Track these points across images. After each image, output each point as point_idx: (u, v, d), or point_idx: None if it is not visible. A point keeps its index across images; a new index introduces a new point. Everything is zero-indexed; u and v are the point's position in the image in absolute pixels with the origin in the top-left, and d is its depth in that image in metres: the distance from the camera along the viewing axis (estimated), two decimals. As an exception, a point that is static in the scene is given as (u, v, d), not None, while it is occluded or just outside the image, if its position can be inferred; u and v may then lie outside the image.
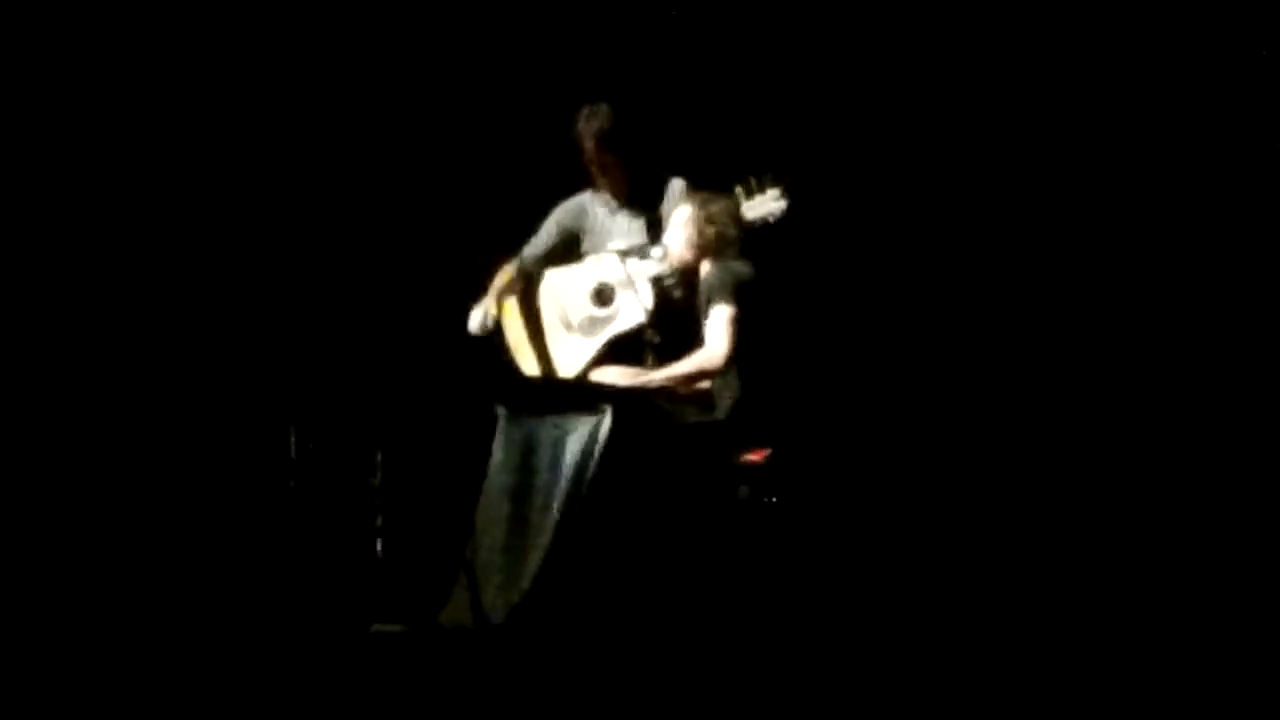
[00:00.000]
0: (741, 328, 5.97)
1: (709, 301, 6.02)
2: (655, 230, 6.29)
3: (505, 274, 6.47)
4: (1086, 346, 6.83)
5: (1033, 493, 6.76)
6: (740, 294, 6.00)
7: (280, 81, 6.98)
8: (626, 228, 6.36)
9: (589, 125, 6.27)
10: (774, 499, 5.95)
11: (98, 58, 6.88)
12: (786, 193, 6.07)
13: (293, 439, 6.51)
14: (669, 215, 6.20)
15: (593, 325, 6.34)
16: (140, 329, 6.91)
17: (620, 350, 6.29)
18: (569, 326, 6.38)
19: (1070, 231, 6.84)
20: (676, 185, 6.32)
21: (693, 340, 6.07)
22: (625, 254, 6.26)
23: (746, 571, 5.90)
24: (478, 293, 6.47)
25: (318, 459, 6.63)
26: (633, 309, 6.23)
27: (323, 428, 6.68)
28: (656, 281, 6.20)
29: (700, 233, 6.08)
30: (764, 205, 6.10)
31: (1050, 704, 5.36)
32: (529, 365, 6.47)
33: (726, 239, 6.07)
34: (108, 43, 6.89)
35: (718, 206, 6.11)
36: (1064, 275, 6.85)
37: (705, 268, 6.08)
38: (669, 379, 6.07)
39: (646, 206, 6.33)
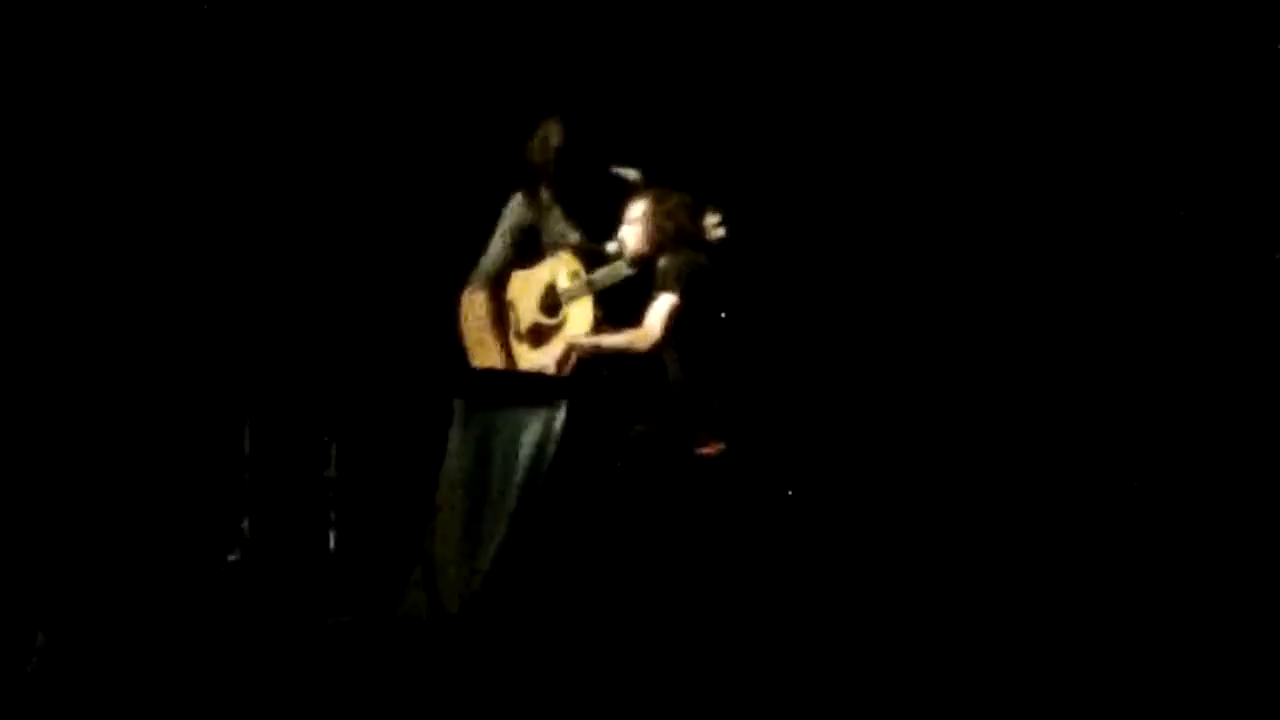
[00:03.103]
0: (682, 318, 6.00)
1: (658, 289, 6.05)
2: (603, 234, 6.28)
3: (476, 304, 6.42)
4: (1033, 323, 6.86)
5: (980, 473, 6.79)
6: (688, 284, 6.03)
7: (224, 69, 6.96)
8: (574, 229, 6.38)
9: (547, 140, 6.27)
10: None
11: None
12: (724, 223, 6.11)
13: (247, 432, 6.48)
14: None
15: (539, 335, 6.33)
16: (91, 323, 6.87)
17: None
18: (519, 335, 6.37)
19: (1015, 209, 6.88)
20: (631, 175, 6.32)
21: None
22: (580, 252, 6.26)
23: (705, 562, 5.92)
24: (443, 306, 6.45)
25: (272, 451, 6.61)
26: (579, 322, 6.21)
27: (277, 420, 6.66)
28: (609, 289, 6.18)
29: (658, 226, 6.10)
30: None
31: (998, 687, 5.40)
32: (486, 363, 6.44)
33: (683, 233, 6.10)
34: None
35: (674, 201, 6.13)
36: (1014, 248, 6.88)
37: (661, 261, 6.11)
38: (594, 346, 6.10)
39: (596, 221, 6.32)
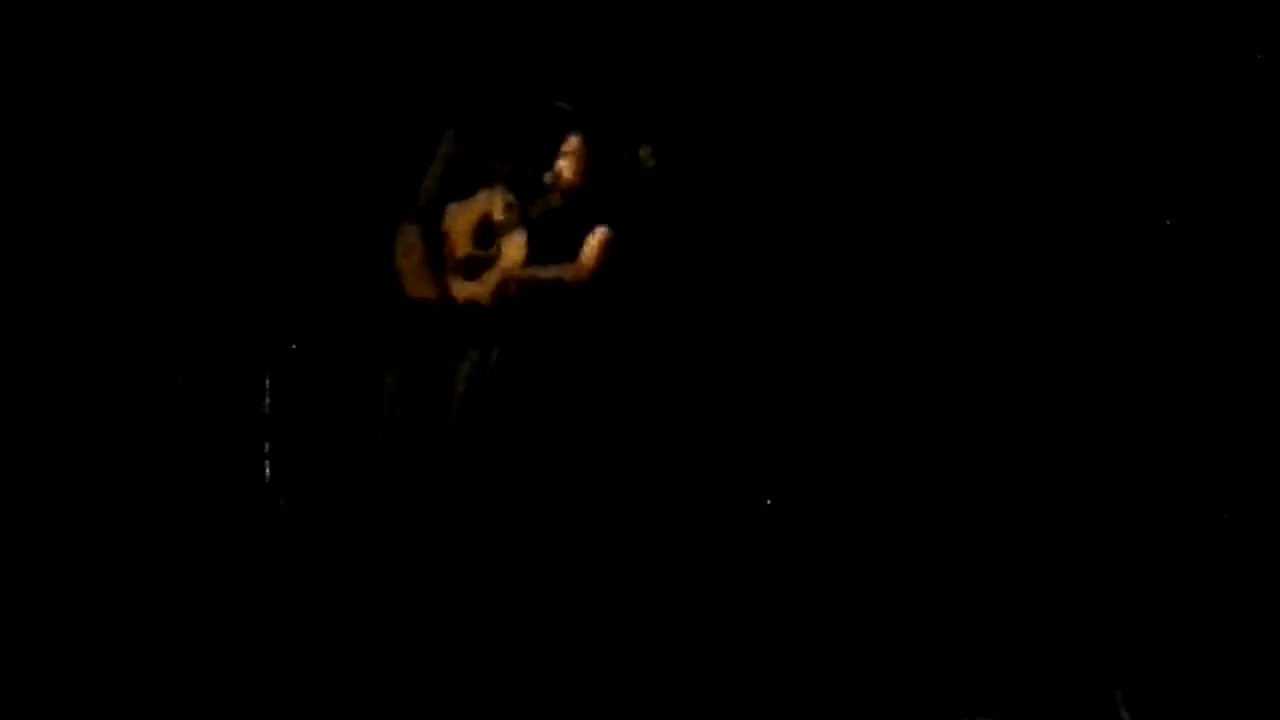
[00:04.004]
0: (614, 250, 6.04)
1: (592, 222, 6.08)
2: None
3: (410, 236, 6.41)
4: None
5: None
6: (621, 217, 6.06)
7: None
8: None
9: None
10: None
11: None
12: (656, 155, 6.14)
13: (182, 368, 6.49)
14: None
15: (474, 267, 6.33)
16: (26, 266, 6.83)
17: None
18: (454, 267, 6.37)
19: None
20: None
21: None
22: (515, 184, 6.26)
23: (639, 498, 5.97)
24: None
25: (205, 385, 6.60)
26: (513, 254, 6.22)
27: (211, 353, 6.65)
28: (542, 219, 6.20)
29: (592, 159, 6.12)
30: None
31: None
32: (421, 295, 6.44)
33: (617, 166, 6.12)
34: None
35: (608, 133, 6.15)
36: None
37: (595, 194, 6.13)
38: (528, 278, 6.12)
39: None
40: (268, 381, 6.42)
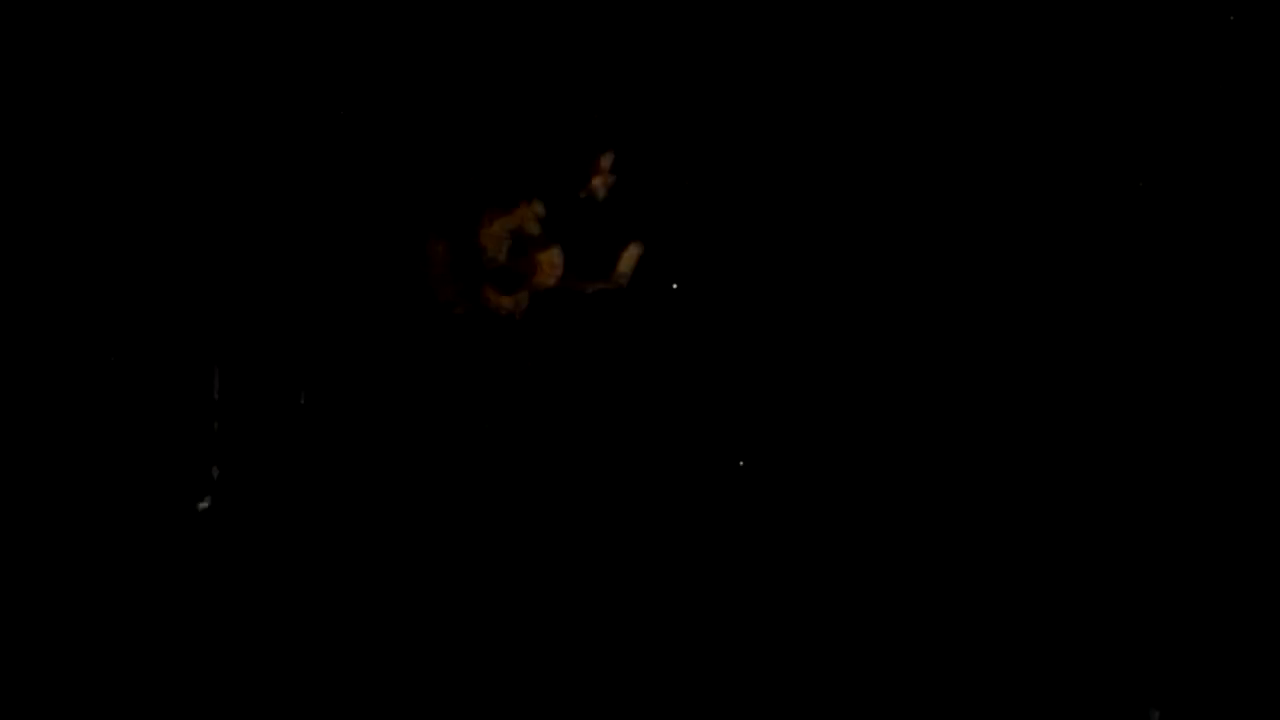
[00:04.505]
0: (644, 262, 6.07)
1: (627, 238, 6.11)
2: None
3: (442, 249, 6.43)
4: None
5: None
6: (652, 231, 6.09)
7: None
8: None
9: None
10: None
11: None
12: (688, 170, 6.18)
13: (216, 380, 6.48)
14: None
15: (506, 281, 6.35)
16: (52, 267, 6.81)
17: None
18: (486, 281, 6.38)
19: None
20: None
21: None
22: (550, 198, 6.27)
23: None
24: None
25: (241, 398, 6.60)
26: (547, 268, 6.24)
27: (246, 366, 6.65)
28: (576, 232, 6.22)
29: (623, 173, 6.14)
30: None
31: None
32: (449, 300, 6.47)
33: (653, 181, 6.13)
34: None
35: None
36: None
37: (630, 209, 6.14)
38: (561, 289, 6.17)
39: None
40: (299, 390, 6.42)
